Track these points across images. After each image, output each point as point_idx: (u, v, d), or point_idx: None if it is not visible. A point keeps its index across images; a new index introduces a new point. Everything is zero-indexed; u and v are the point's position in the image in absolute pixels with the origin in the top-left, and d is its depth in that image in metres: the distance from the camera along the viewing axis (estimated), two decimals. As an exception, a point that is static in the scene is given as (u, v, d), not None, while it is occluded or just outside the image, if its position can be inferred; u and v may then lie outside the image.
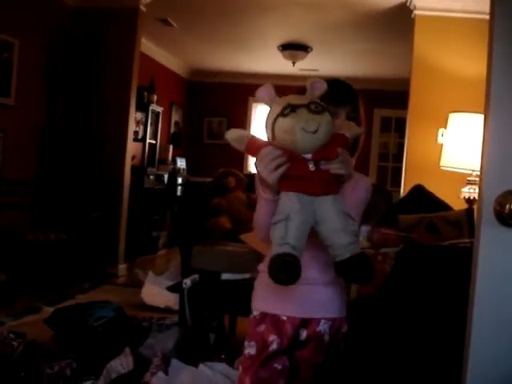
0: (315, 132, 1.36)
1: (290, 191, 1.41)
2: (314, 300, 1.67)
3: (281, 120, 1.39)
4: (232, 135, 1.45)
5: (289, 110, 1.38)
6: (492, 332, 1.29)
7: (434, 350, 2.13)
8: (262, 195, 1.54)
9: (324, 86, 1.45)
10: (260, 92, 1.47)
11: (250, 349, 1.73)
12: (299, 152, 1.40)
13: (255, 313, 1.75)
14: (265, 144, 1.44)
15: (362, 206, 1.73)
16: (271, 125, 1.42)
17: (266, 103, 1.45)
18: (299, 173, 1.40)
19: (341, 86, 1.81)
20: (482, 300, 1.28)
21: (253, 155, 1.46)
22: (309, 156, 1.39)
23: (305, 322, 1.68)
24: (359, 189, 1.70)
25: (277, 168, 1.39)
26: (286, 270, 1.34)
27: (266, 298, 1.72)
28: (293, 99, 1.41)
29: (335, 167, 1.39)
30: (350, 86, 1.84)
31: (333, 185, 1.42)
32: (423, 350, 2.18)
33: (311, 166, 1.39)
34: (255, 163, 1.44)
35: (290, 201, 1.41)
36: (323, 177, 1.40)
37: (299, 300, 1.67)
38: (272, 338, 1.69)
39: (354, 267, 1.37)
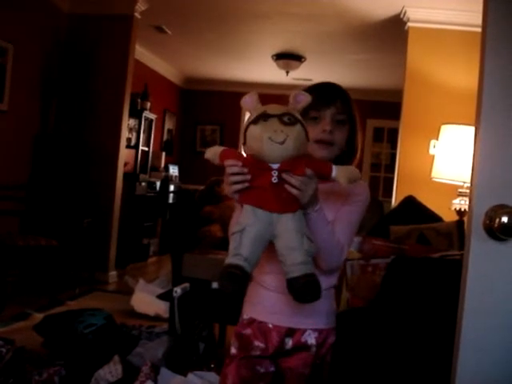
0: (282, 143, 1.37)
1: (249, 205, 1.43)
2: (302, 310, 1.67)
3: (252, 127, 1.42)
4: (208, 154, 1.50)
5: (261, 118, 1.41)
6: (480, 344, 1.29)
7: (424, 361, 2.13)
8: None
9: (307, 99, 1.46)
10: (244, 99, 1.48)
11: (233, 349, 1.74)
12: (266, 161, 1.41)
13: (245, 316, 1.76)
14: (234, 155, 1.46)
15: (357, 219, 1.72)
16: (244, 131, 1.45)
17: (248, 110, 1.47)
18: (260, 184, 1.41)
19: (322, 89, 1.79)
20: (471, 313, 1.29)
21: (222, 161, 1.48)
22: (275, 166, 1.40)
23: (291, 331, 1.68)
24: (354, 201, 1.69)
25: (233, 184, 1.42)
26: (230, 281, 1.36)
27: (255, 305, 1.73)
28: (270, 108, 1.43)
29: (292, 183, 1.40)
30: (335, 86, 1.81)
31: (292, 203, 1.42)
32: (413, 362, 2.18)
33: (274, 178, 1.40)
34: None
35: (247, 213, 1.42)
36: (282, 193, 1.41)
37: (286, 309, 1.66)
38: (256, 343, 1.69)
39: (300, 287, 1.39)
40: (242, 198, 1.45)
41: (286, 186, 1.41)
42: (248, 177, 1.41)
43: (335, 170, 1.47)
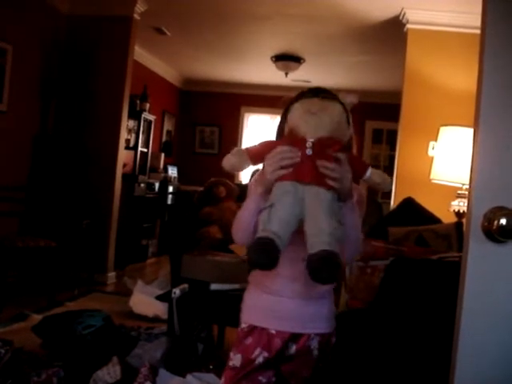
0: (319, 115, 1.40)
1: (283, 180, 1.42)
2: (305, 314, 1.66)
3: (293, 105, 1.47)
4: (228, 162, 1.50)
5: (303, 96, 1.47)
6: (479, 345, 1.29)
7: (423, 362, 2.14)
8: (253, 191, 1.57)
9: (355, 101, 1.50)
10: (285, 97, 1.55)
11: (235, 361, 1.71)
12: (302, 134, 1.42)
13: (243, 325, 1.73)
14: (267, 144, 1.48)
15: (362, 214, 1.72)
16: (286, 112, 1.49)
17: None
18: None
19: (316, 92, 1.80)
20: (469, 314, 1.29)
21: (260, 160, 1.48)
22: (311, 139, 1.40)
23: (294, 337, 1.67)
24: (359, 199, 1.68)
25: (280, 168, 1.42)
26: (263, 253, 1.33)
27: (255, 311, 1.70)
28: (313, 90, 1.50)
29: (329, 174, 1.40)
30: (326, 91, 1.81)
31: (325, 177, 1.41)
32: (412, 363, 2.18)
33: (308, 150, 1.40)
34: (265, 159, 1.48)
35: (279, 189, 1.42)
36: (316, 166, 1.39)
37: (289, 314, 1.66)
38: (258, 351, 1.67)
39: (316, 261, 1.32)
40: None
41: (322, 169, 1.39)
42: (298, 154, 1.41)
43: (370, 171, 1.48)
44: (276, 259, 1.34)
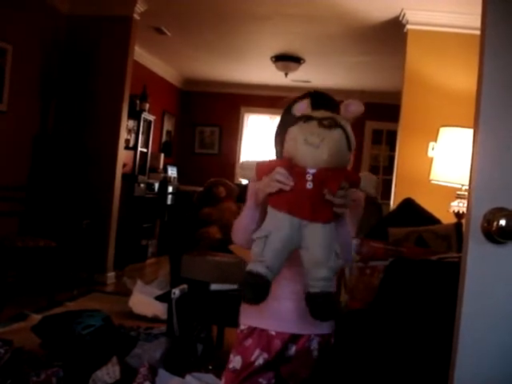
0: (317, 146, 1.34)
1: (278, 210, 1.39)
2: (305, 315, 1.66)
3: (291, 129, 1.40)
4: (243, 172, 1.51)
5: (301, 120, 1.39)
6: (478, 347, 1.29)
7: (422, 363, 2.13)
8: (249, 198, 1.58)
9: (360, 109, 1.44)
10: (298, 106, 1.47)
11: (235, 363, 1.70)
12: (301, 165, 1.38)
13: (243, 327, 1.73)
14: (273, 164, 1.44)
15: (359, 218, 1.73)
16: (284, 134, 1.44)
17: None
18: (294, 188, 1.37)
19: (316, 97, 1.74)
20: (469, 315, 1.28)
21: (261, 176, 1.47)
22: (311, 171, 1.37)
23: (294, 338, 1.67)
24: (356, 204, 1.68)
25: (274, 187, 1.40)
26: (252, 289, 1.35)
27: (254, 312, 1.69)
28: (314, 112, 1.41)
29: (337, 203, 1.39)
30: (326, 96, 1.78)
31: (324, 212, 1.39)
32: (411, 364, 2.18)
33: (308, 184, 1.37)
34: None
35: (273, 219, 1.39)
36: (315, 200, 1.37)
37: (288, 315, 1.66)
38: (258, 353, 1.67)
39: (319, 304, 1.38)
40: (273, 200, 1.42)
41: (335, 208, 1.38)
42: (291, 183, 1.38)
43: (363, 179, 1.45)
44: (265, 295, 1.36)
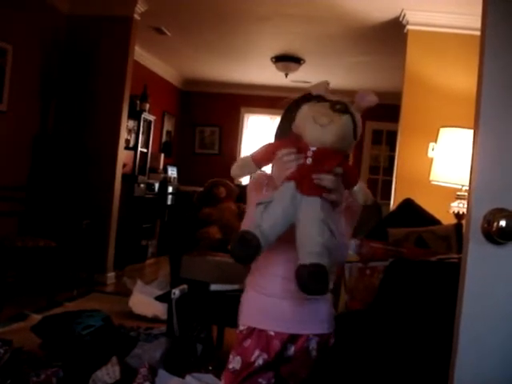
0: (325, 127, 1.37)
1: (287, 180, 1.42)
2: (303, 315, 1.66)
3: (303, 106, 1.44)
4: (233, 171, 1.51)
5: (315, 99, 1.42)
6: (478, 347, 1.29)
7: (422, 364, 2.13)
8: (259, 196, 1.57)
9: (374, 100, 1.46)
10: (317, 85, 1.50)
11: (234, 363, 1.70)
12: (307, 141, 1.41)
13: (242, 327, 1.73)
14: (270, 147, 1.48)
15: (355, 221, 1.73)
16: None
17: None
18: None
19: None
20: (469, 316, 1.28)
21: (265, 163, 1.49)
22: (313, 149, 1.40)
23: (293, 338, 1.67)
24: (353, 205, 1.68)
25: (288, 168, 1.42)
26: (243, 247, 1.35)
27: (253, 313, 1.70)
28: (328, 94, 1.44)
29: (324, 184, 1.40)
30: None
31: (319, 187, 1.41)
32: (411, 365, 2.18)
33: (308, 159, 1.40)
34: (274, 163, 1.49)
35: (279, 190, 1.42)
36: (312, 176, 1.40)
37: (286, 315, 1.66)
38: (258, 353, 1.67)
39: (306, 275, 1.34)
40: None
41: (317, 181, 1.39)
42: (300, 157, 1.41)
43: (358, 186, 1.46)
44: (253, 255, 1.36)
